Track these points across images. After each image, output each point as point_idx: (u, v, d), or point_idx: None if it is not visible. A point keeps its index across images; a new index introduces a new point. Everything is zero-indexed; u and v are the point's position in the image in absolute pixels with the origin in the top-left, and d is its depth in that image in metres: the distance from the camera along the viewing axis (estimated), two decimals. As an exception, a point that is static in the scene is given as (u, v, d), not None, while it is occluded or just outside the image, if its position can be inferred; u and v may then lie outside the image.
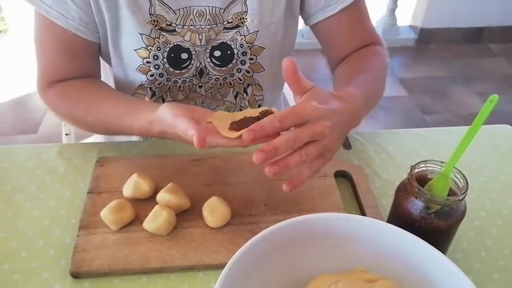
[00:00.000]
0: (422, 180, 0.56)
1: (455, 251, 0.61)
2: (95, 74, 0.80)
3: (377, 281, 0.51)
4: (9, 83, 2.30)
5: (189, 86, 0.81)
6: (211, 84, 0.81)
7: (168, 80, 0.78)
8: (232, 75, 0.80)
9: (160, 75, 0.77)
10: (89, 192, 0.65)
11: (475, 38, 2.96)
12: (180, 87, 0.81)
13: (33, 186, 0.69)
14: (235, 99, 0.85)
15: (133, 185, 0.63)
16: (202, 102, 0.85)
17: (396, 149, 0.79)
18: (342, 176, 0.72)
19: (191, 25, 0.73)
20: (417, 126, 2.02)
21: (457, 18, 2.86)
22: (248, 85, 0.83)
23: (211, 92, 0.83)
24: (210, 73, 0.79)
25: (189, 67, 0.77)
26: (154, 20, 0.72)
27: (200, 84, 0.81)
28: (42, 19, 0.70)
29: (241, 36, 0.75)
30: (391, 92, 2.51)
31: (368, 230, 0.54)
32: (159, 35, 0.73)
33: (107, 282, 0.56)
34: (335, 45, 0.83)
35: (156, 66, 0.76)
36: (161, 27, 0.72)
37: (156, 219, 0.59)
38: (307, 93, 0.56)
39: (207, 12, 0.73)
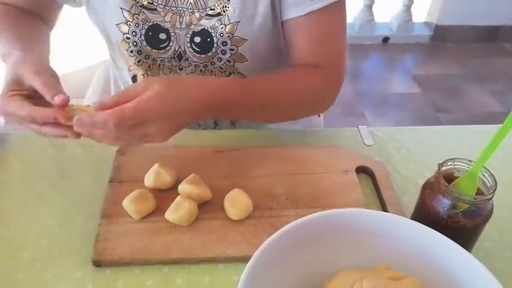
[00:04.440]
0: (449, 178, 0.55)
1: (478, 250, 0.61)
2: (46, 19, 0.80)
3: (401, 278, 0.50)
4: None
5: (169, 67, 0.80)
6: (192, 69, 0.80)
7: (147, 57, 0.78)
8: (212, 63, 0.78)
9: (139, 52, 0.77)
10: (110, 181, 0.65)
11: (490, 37, 2.92)
12: (160, 65, 0.80)
13: (54, 174, 0.69)
14: None
15: (155, 175, 0.63)
16: None
17: (416, 146, 0.79)
18: (363, 171, 0.71)
19: (173, 6, 0.72)
20: (429, 124, 2.01)
21: (472, 16, 2.82)
22: (230, 74, 0.81)
23: (194, 75, 0.81)
24: (190, 59, 0.77)
25: (167, 48, 0.76)
26: None
27: (180, 67, 0.80)
28: None
29: (222, 25, 0.72)
30: (403, 89, 2.49)
31: (392, 226, 0.53)
32: (140, 11, 0.72)
33: (128, 272, 0.56)
34: (293, 49, 0.76)
35: (134, 43, 0.75)
36: (143, 4, 0.72)
37: (178, 210, 0.59)
38: None
39: None
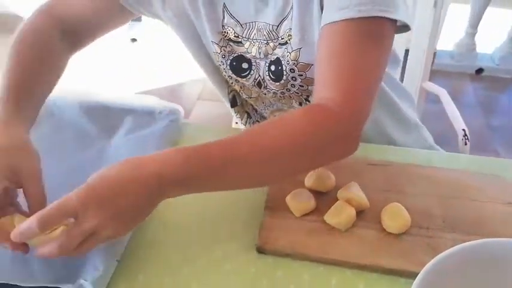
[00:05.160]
0: None
1: None
2: (90, 36, 0.81)
3: None
4: (166, 72, 2.55)
5: (255, 92, 0.85)
6: (272, 96, 0.83)
7: (237, 81, 0.84)
8: (288, 90, 0.79)
9: (230, 77, 0.83)
10: (273, 177, 0.70)
11: None
12: (249, 89, 0.85)
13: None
14: (301, 106, 0.84)
15: (317, 177, 0.67)
16: (274, 104, 0.87)
17: None
18: (527, 206, 0.68)
19: (254, 39, 0.76)
20: None
21: None
22: (307, 96, 0.80)
23: (275, 99, 0.84)
24: (268, 86, 0.80)
25: (248, 77, 0.81)
26: (225, 31, 0.76)
27: (263, 92, 0.83)
28: None
29: (288, 53, 0.74)
30: None
31: None
32: (227, 44, 0.78)
33: (287, 263, 0.59)
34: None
35: (224, 70, 0.82)
36: (229, 38, 0.77)
37: (339, 214, 0.61)
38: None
39: (263, 28, 0.74)
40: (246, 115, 0.94)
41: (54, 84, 0.73)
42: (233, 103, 0.93)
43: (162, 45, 2.75)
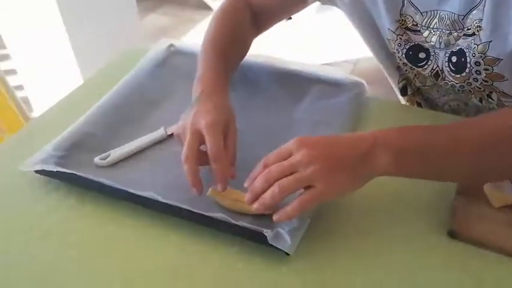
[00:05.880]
0: None
1: None
2: (264, 19, 0.86)
3: None
4: (314, 51, 2.58)
5: (430, 82, 0.80)
6: (449, 88, 0.79)
7: (412, 69, 0.80)
8: (469, 83, 0.74)
9: (404, 64, 0.80)
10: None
11: None
12: (424, 77, 0.81)
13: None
14: (481, 103, 0.79)
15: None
16: (450, 94, 0.82)
17: None
18: None
19: (435, 28, 0.72)
20: None
21: None
22: (490, 92, 0.75)
23: (453, 92, 0.80)
24: (446, 78, 0.76)
25: (424, 67, 0.77)
26: (402, 20, 0.74)
27: (438, 84, 0.79)
28: None
29: (475, 45, 0.68)
30: None
31: None
32: (404, 33, 0.75)
33: (480, 253, 0.56)
34: None
35: (399, 58, 0.79)
36: (407, 26, 0.74)
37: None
38: None
39: (447, 17, 0.70)
40: (415, 105, 0.91)
41: (241, 61, 0.82)
42: (403, 92, 0.91)
43: (313, 25, 2.79)
